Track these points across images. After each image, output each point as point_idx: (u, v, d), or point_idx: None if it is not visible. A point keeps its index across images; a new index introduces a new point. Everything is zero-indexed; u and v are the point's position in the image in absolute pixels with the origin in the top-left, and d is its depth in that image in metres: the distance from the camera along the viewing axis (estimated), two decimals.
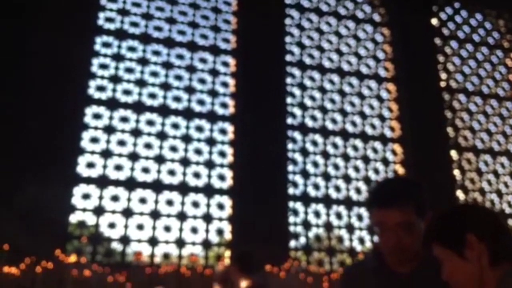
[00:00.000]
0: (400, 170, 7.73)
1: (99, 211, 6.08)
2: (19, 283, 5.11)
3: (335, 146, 7.55)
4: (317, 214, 7.05)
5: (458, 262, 1.35)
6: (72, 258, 5.61)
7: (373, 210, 1.62)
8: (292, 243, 6.80)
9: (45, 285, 5.18)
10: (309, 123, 7.53)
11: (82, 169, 6.17)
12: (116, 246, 6.19)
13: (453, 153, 8.11)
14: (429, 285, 1.56)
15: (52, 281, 5.25)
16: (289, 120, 7.38)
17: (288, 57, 7.74)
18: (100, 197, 6.13)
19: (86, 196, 6.07)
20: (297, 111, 7.52)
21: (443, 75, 8.60)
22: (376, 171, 7.64)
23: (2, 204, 5.24)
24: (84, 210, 6.02)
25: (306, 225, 6.93)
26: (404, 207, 1.56)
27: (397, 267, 1.63)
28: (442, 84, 8.53)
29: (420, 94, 7.99)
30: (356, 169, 7.54)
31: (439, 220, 1.43)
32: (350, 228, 7.15)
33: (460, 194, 7.86)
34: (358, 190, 7.40)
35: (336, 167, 7.43)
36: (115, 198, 6.20)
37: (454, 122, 8.37)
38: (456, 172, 8.00)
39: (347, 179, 7.40)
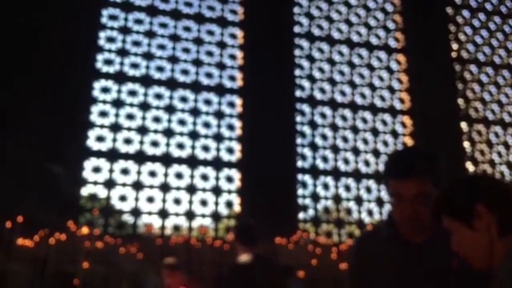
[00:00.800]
0: (409, 142, 7.69)
1: (110, 184, 6.15)
2: (34, 254, 5.23)
3: (344, 118, 7.51)
4: (325, 186, 7.08)
5: (467, 233, 1.35)
6: (85, 230, 5.71)
7: (390, 180, 1.62)
8: (301, 215, 6.85)
9: (59, 257, 5.30)
10: (318, 95, 7.48)
11: (92, 143, 6.22)
12: (127, 218, 6.29)
13: (463, 125, 8.04)
14: (442, 255, 1.57)
15: (66, 252, 5.36)
16: (298, 93, 7.33)
17: (297, 28, 7.64)
18: (111, 170, 6.20)
19: (96, 170, 6.14)
20: (306, 84, 7.46)
21: (454, 46, 8.45)
22: (385, 143, 7.61)
23: (14, 178, 5.31)
24: (95, 183, 6.10)
25: (315, 197, 6.97)
26: (421, 179, 1.56)
27: (410, 237, 1.64)
28: (453, 54, 8.39)
29: (431, 65, 7.88)
30: (365, 141, 7.52)
31: (448, 190, 1.43)
32: (358, 200, 7.18)
33: (469, 166, 7.83)
34: (367, 163, 7.40)
35: (345, 139, 7.41)
36: (125, 172, 6.26)
37: (465, 93, 8.26)
38: (466, 144, 7.95)
39: (356, 151, 7.39)
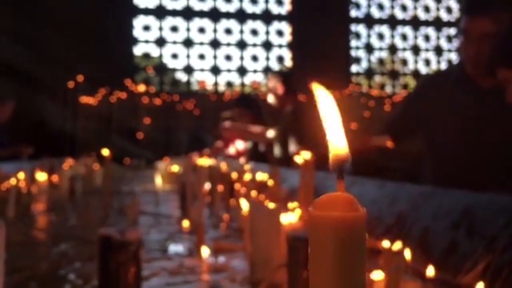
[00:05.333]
0: None
1: (160, 42, 6.17)
2: (98, 112, 5.56)
3: None
4: (380, 36, 6.77)
5: None
6: (142, 88, 5.93)
7: (464, 16, 1.51)
8: (354, 68, 6.72)
9: (122, 113, 5.62)
10: None
11: (138, 0, 6.11)
12: (181, 76, 6.42)
13: None
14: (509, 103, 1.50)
15: (127, 109, 5.67)
16: None
17: None
18: (160, 28, 6.16)
19: (146, 28, 6.12)
20: None
21: None
22: None
23: (70, 38, 5.40)
24: (146, 41, 6.14)
25: (369, 48, 6.73)
26: (494, 17, 1.42)
27: (480, 80, 1.56)
28: None
29: None
30: None
31: None
32: (415, 50, 6.87)
33: None
34: (426, 9, 6.89)
35: None
36: (174, 29, 6.21)
37: None
38: None
39: None
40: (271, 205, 0.89)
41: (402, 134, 1.73)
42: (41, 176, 2.18)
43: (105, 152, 1.58)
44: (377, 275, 0.75)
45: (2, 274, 0.52)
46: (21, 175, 2.06)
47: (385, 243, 0.78)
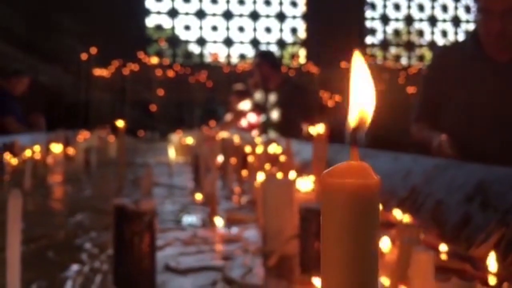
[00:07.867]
0: None
1: (173, 13, 6.10)
2: (111, 84, 5.57)
3: None
4: (396, 6, 6.61)
5: None
6: (154, 60, 5.91)
7: None
8: (369, 39, 6.60)
9: (135, 86, 5.63)
10: None
11: None
12: (194, 48, 6.37)
13: None
14: None
15: (140, 81, 5.67)
16: None
17: None
18: None
19: None
20: None
21: None
22: None
23: (82, 7, 5.38)
24: (158, 12, 6.08)
25: (384, 19, 6.58)
26: None
27: (496, 55, 1.53)
28: None
29: None
30: None
31: None
32: (432, 21, 6.71)
33: None
34: None
35: None
36: (187, 0, 6.13)
37: None
38: None
39: None
40: (284, 177, 0.89)
41: (434, 116, 1.68)
42: (56, 148, 2.21)
43: (120, 123, 1.59)
44: (385, 246, 0.75)
45: (19, 243, 0.53)
46: (37, 147, 2.08)
47: (397, 215, 0.78)
